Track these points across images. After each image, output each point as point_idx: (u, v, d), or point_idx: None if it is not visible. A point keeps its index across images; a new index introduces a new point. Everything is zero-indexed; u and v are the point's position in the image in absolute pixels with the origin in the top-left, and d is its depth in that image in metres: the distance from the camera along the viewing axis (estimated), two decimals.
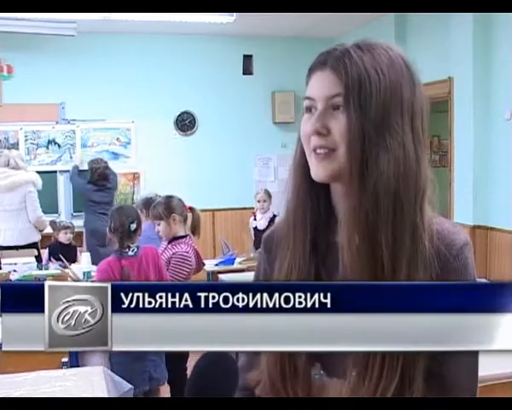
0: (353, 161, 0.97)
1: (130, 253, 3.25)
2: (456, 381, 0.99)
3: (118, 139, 7.31)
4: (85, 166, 6.42)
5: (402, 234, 0.96)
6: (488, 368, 2.24)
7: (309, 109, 1.03)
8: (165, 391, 3.57)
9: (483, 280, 3.61)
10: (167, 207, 3.69)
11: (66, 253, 4.97)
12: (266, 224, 5.60)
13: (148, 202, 4.31)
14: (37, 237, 5.40)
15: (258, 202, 5.81)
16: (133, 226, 3.24)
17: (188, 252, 3.58)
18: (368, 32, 6.35)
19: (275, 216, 5.63)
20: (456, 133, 5.59)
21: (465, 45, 5.28)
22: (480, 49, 5.18)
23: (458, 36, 5.38)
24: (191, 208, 3.85)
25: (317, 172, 1.01)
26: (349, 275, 0.98)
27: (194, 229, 3.81)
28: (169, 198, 3.78)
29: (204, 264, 3.92)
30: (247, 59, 7.66)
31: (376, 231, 0.96)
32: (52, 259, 4.95)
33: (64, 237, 5.29)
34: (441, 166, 8.63)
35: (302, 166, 1.06)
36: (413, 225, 0.97)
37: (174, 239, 3.65)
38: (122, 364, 3.16)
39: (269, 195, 5.82)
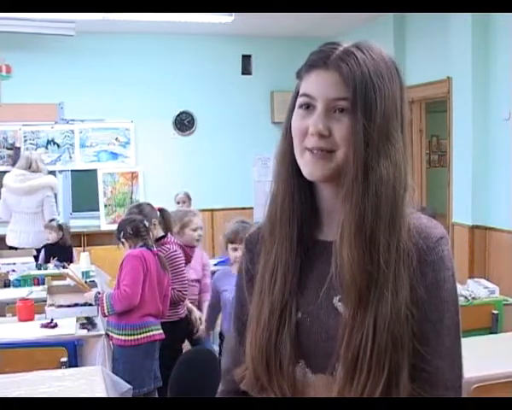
0: (357, 166, 0.97)
1: (154, 249, 3.45)
2: (441, 375, 1.00)
3: (117, 139, 7.30)
4: None
5: (395, 231, 0.99)
6: (488, 368, 2.25)
7: (306, 106, 1.02)
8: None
9: (482, 280, 3.61)
10: (146, 215, 3.72)
11: (59, 252, 4.95)
12: None
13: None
14: (51, 238, 5.37)
15: (178, 203, 5.63)
16: (147, 224, 3.48)
17: (176, 251, 3.72)
18: (367, 32, 6.34)
19: None
20: (454, 133, 5.59)
21: (464, 45, 5.28)
22: (478, 49, 5.18)
23: (457, 36, 5.38)
24: (161, 209, 3.89)
25: (313, 170, 1.01)
26: (345, 272, 0.98)
27: (168, 228, 3.86)
28: (140, 207, 3.81)
29: (191, 256, 3.97)
30: (246, 59, 7.66)
31: (375, 231, 0.97)
32: (51, 259, 4.93)
33: (49, 237, 5.18)
34: (440, 166, 8.62)
35: (291, 161, 1.05)
36: (401, 221, 1.00)
37: (156, 241, 3.71)
38: (131, 362, 3.17)
39: (188, 196, 5.65)
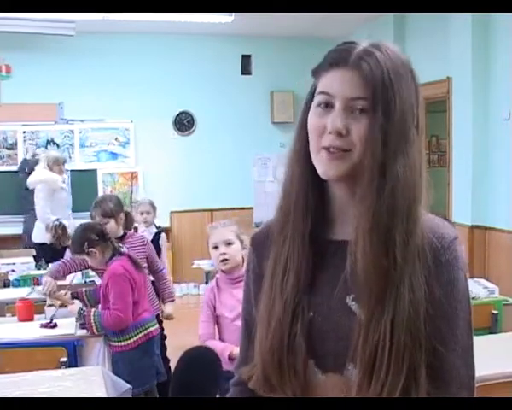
0: (374, 167, 0.97)
1: (124, 249, 3.31)
2: (455, 372, 1.00)
3: (116, 139, 7.31)
4: None
5: (410, 230, 0.99)
6: (488, 368, 2.24)
7: (324, 105, 1.01)
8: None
9: (482, 280, 3.60)
10: (118, 205, 3.62)
11: (51, 253, 4.95)
12: (151, 239, 4.40)
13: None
14: (47, 238, 5.38)
15: (141, 214, 4.72)
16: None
17: (144, 238, 3.80)
18: (367, 31, 6.35)
19: (159, 230, 4.85)
20: (454, 133, 5.59)
21: (464, 45, 5.28)
22: (478, 49, 5.18)
23: (457, 36, 5.38)
24: (126, 211, 3.80)
25: (328, 169, 1.01)
26: (359, 271, 0.98)
27: (130, 228, 3.82)
28: (111, 196, 3.77)
29: None
30: (246, 59, 7.66)
31: (391, 229, 0.97)
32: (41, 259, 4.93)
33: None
34: (439, 166, 8.62)
35: (306, 159, 1.05)
36: (416, 220, 1.00)
37: (122, 238, 3.60)
38: (130, 363, 3.15)
39: (153, 206, 4.81)
